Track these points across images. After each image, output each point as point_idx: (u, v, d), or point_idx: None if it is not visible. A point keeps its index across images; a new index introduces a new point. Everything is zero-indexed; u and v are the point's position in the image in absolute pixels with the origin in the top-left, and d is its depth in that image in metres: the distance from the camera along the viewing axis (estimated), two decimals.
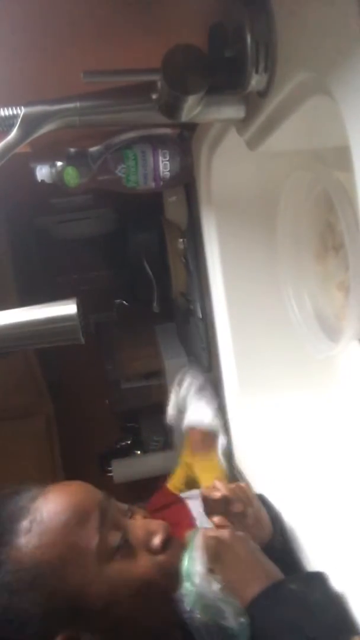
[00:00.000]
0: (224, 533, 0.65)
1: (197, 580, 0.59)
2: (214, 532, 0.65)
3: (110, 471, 1.89)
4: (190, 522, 0.87)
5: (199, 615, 0.58)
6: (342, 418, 0.90)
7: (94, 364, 1.94)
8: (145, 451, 1.99)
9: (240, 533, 0.67)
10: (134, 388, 1.93)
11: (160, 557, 0.64)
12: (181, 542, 0.65)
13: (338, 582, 0.61)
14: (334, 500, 0.74)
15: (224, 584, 0.59)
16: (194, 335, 1.31)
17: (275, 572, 0.64)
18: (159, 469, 1.88)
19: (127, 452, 2.02)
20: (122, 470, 1.88)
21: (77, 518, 0.63)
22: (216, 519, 0.70)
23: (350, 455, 0.82)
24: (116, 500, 0.70)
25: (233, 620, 0.57)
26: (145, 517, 0.70)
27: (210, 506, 0.75)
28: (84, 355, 1.86)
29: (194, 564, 0.60)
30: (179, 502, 1.00)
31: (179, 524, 0.76)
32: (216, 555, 0.62)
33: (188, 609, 0.59)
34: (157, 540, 0.65)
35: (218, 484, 0.76)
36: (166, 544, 0.65)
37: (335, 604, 0.59)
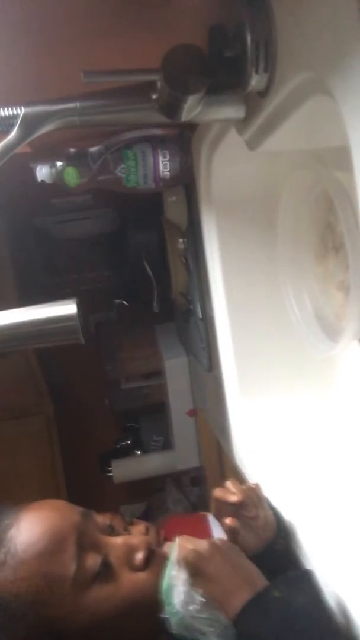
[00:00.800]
0: (203, 545, 0.62)
1: (176, 602, 0.58)
2: (192, 544, 0.62)
3: (110, 471, 1.89)
4: (206, 532, 0.87)
5: (184, 634, 0.58)
6: (342, 418, 0.90)
7: (94, 364, 1.94)
8: (145, 451, 1.99)
9: (218, 541, 0.65)
10: (134, 388, 1.93)
11: (142, 575, 0.63)
12: (165, 555, 0.64)
13: (339, 583, 0.61)
14: (334, 500, 0.74)
15: (206, 599, 0.58)
16: (194, 335, 1.31)
17: (259, 579, 0.62)
18: (159, 469, 1.88)
19: (127, 452, 2.02)
20: (122, 470, 1.88)
21: (52, 546, 0.61)
22: (228, 520, 0.68)
23: (350, 455, 0.82)
24: (96, 514, 0.68)
25: (217, 638, 0.57)
26: (127, 528, 0.69)
27: (223, 508, 0.73)
28: (84, 355, 1.87)
29: (172, 585, 0.59)
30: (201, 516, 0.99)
31: (194, 532, 0.75)
32: (195, 569, 0.60)
33: (172, 630, 0.59)
34: (139, 557, 0.64)
35: (231, 486, 0.74)
36: (148, 559, 0.64)
37: (319, 608, 0.58)
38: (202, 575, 0.60)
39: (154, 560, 0.64)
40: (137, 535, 0.68)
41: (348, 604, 0.58)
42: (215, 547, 0.63)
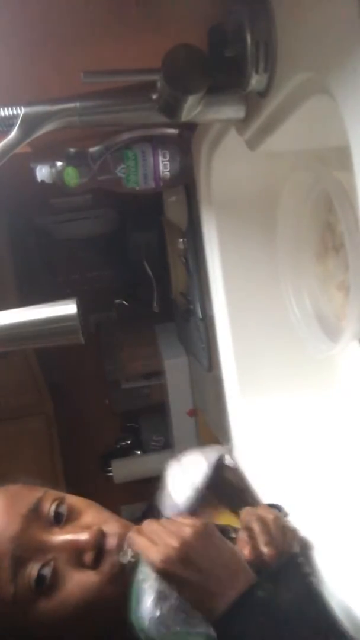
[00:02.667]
0: (171, 548, 0.55)
1: (145, 615, 0.54)
2: (160, 551, 0.55)
3: (110, 471, 1.89)
4: None
5: None
6: (342, 418, 0.90)
7: (94, 364, 1.94)
8: (145, 451, 1.99)
9: (189, 527, 0.57)
10: (134, 388, 1.93)
11: (92, 577, 0.58)
12: (118, 545, 0.59)
13: (340, 584, 0.61)
14: (335, 500, 0.74)
15: (182, 607, 0.53)
16: (194, 335, 1.31)
17: (242, 574, 0.56)
18: (159, 469, 1.88)
19: (127, 452, 2.02)
20: (122, 470, 1.88)
21: None
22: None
23: (350, 455, 0.82)
24: (47, 497, 0.62)
25: None
26: (80, 518, 0.63)
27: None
28: (84, 355, 1.87)
29: (140, 594, 0.54)
30: None
31: None
32: (170, 576, 0.54)
33: None
34: (87, 558, 0.59)
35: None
36: (98, 557, 0.59)
37: (310, 601, 0.54)
38: (177, 581, 0.54)
39: (105, 557, 0.59)
40: (85, 529, 0.61)
41: (349, 603, 0.58)
42: (187, 541, 0.55)
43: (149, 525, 0.60)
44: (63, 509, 0.63)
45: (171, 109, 0.57)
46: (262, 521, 0.64)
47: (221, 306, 0.96)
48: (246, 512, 0.67)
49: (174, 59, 0.53)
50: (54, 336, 0.58)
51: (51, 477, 1.93)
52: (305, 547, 0.67)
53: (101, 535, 0.60)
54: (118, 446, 2.05)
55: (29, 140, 0.58)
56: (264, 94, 0.56)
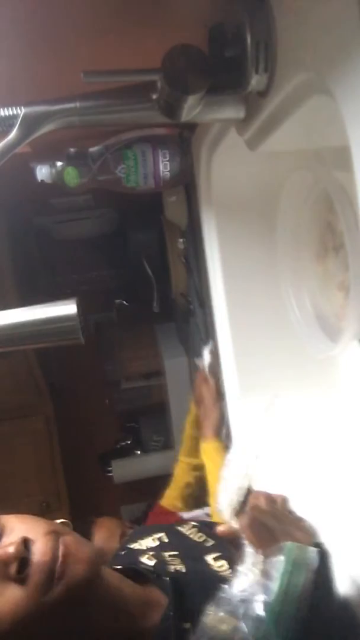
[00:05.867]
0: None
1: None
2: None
3: (110, 471, 1.90)
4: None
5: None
6: (342, 418, 0.89)
7: (94, 364, 1.94)
8: (145, 451, 1.99)
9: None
10: (134, 388, 1.93)
11: (19, 592, 0.58)
12: (43, 552, 0.59)
13: (340, 582, 0.61)
14: (335, 499, 0.74)
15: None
16: (194, 335, 1.31)
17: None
18: (159, 469, 1.88)
19: (127, 452, 2.02)
20: (122, 470, 1.88)
21: None
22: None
23: (351, 455, 0.82)
24: None
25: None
26: (18, 529, 0.62)
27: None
28: (84, 355, 1.87)
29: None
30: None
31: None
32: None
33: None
34: (11, 571, 0.58)
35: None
36: (22, 568, 0.58)
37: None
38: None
39: (31, 569, 0.58)
40: (11, 542, 0.60)
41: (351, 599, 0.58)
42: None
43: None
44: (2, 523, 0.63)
45: (171, 109, 0.57)
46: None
47: (221, 306, 0.96)
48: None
49: (174, 59, 0.53)
50: (54, 336, 0.57)
51: (51, 477, 1.93)
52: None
53: (22, 548, 0.59)
54: (118, 446, 2.05)
55: (29, 140, 0.58)
56: (264, 94, 0.56)
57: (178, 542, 0.81)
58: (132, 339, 1.87)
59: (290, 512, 0.71)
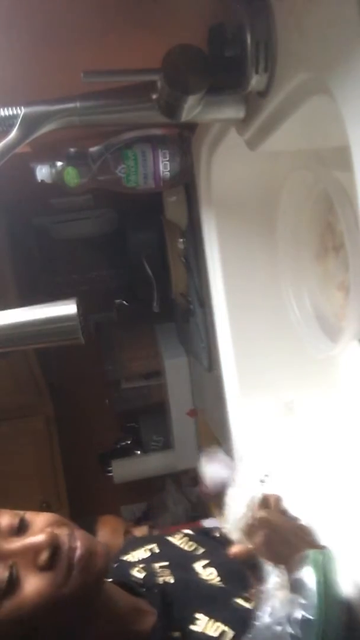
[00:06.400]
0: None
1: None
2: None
3: (110, 471, 1.89)
4: None
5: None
6: (342, 418, 0.90)
7: (94, 364, 1.94)
8: (145, 451, 1.99)
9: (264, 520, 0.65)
10: (134, 388, 1.93)
11: (47, 577, 0.61)
12: (70, 544, 0.62)
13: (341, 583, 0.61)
14: (335, 500, 0.74)
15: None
16: (194, 335, 1.31)
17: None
18: (159, 469, 1.88)
19: (127, 452, 2.02)
20: (122, 470, 1.88)
21: None
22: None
23: (351, 455, 0.82)
24: (4, 513, 0.65)
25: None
26: (40, 521, 0.65)
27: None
28: (84, 355, 1.87)
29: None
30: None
31: None
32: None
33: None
34: (42, 558, 0.61)
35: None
36: (53, 557, 0.61)
37: None
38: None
39: (59, 557, 0.62)
40: (40, 531, 0.64)
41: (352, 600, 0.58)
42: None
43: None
44: (19, 522, 0.66)
45: (171, 109, 0.57)
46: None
47: (221, 306, 0.96)
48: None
49: (174, 58, 0.53)
50: (54, 336, 0.57)
51: (51, 477, 1.93)
52: None
53: (54, 536, 0.63)
54: (118, 446, 2.05)
55: (29, 140, 0.58)
56: (264, 94, 0.56)
57: (168, 552, 0.84)
58: (132, 339, 1.87)
59: (285, 512, 0.71)
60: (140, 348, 1.85)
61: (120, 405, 1.99)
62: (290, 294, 0.89)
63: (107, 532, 1.27)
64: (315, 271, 0.86)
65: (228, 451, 1.06)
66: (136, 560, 0.82)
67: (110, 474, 1.88)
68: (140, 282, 1.45)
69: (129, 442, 2.05)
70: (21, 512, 0.67)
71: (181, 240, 1.20)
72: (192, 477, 1.93)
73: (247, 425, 0.96)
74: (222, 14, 0.57)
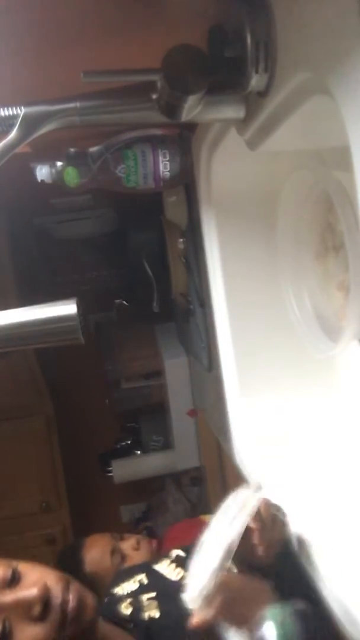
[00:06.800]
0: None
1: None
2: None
3: (110, 471, 1.89)
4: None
5: None
6: (342, 418, 0.90)
7: (94, 364, 1.94)
8: (145, 451, 1.99)
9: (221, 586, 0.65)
10: (134, 388, 1.93)
11: (37, 630, 0.64)
12: (62, 596, 0.65)
13: (338, 583, 0.61)
14: (335, 500, 0.74)
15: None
16: (194, 335, 1.31)
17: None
18: (159, 469, 1.88)
19: (127, 452, 2.02)
20: (122, 470, 1.88)
21: None
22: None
23: (351, 455, 0.82)
24: None
25: None
26: (33, 573, 0.68)
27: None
28: (84, 355, 1.87)
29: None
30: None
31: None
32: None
33: None
34: (36, 610, 0.64)
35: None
36: (45, 610, 0.64)
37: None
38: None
39: (52, 609, 0.65)
40: (33, 584, 0.66)
41: (348, 601, 0.58)
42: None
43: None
44: (11, 574, 0.68)
45: (171, 109, 0.57)
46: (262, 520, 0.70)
47: (221, 306, 0.96)
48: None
49: (174, 59, 0.53)
50: (54, 336, 0.57)
51: (51, 477, 1.93)
52: (301, 545, 0.70)
53: (47, 589, 0.66)
54: (118, 446, 2.05)
55: (29, 140, 0.58)
56: (264, 94, 0.56)
57: (156, 582, 0.87)
58: (132, 339, 1.87)
59: (274, 516, 0.71)
60: (140, 348, 1.85)
61: (120, 405, 1.99)
62: (290, 293, 0.89)
63: (95, 556, 1.28)
64: (315, 271, 0.86)
65: (228, 451, 1.06)
66: (125, 593, 0.86)
67: (110, 474, 1.88)
68: (140, 282, 1.45)
69: (129, 442, 2.05)
70: (14, 563, 0.69)
71: (181, 240, 1.20)
72: (193, 477, 1.93)
73: (247, 425, 0.96)
74: (222, 14, 0.57)
